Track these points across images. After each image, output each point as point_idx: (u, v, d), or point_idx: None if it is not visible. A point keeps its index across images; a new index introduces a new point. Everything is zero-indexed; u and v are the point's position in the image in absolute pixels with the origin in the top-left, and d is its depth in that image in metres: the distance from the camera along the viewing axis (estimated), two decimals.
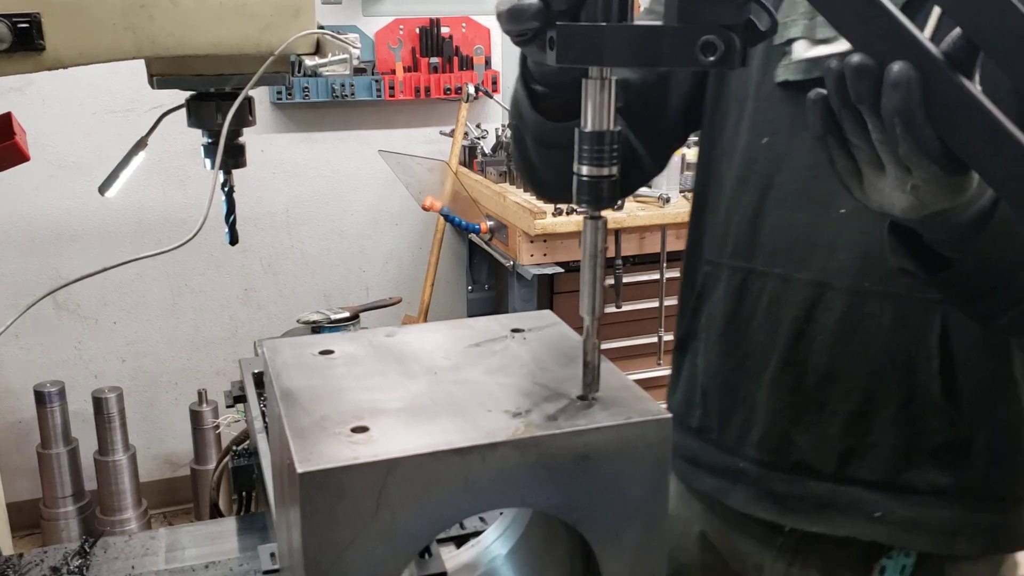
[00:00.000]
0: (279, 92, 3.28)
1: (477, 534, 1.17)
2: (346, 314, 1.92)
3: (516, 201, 2.94)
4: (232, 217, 1.25)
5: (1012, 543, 1.17)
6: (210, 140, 1.24)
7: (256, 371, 1.72)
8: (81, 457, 3.22)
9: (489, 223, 3.13)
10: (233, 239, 1.26)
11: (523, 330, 1.03)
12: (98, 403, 3.13)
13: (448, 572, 1.10)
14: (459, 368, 0.92)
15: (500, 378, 0.90)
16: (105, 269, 1.14)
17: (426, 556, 1.17)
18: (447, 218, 3.29)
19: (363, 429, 0.78)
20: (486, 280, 3.68)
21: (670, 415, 0.83)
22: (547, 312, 1.10)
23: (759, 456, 1.18)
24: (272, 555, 1.30)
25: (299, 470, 0.72)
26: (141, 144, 1.38)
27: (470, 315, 3.67)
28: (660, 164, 1.32)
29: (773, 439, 1.17)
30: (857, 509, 1.14)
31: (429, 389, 0.87)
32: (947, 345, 1.09)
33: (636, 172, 1.29)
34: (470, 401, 0.84)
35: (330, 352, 0.95)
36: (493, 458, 0.77)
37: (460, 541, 1.27)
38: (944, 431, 1.11)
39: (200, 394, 3.22)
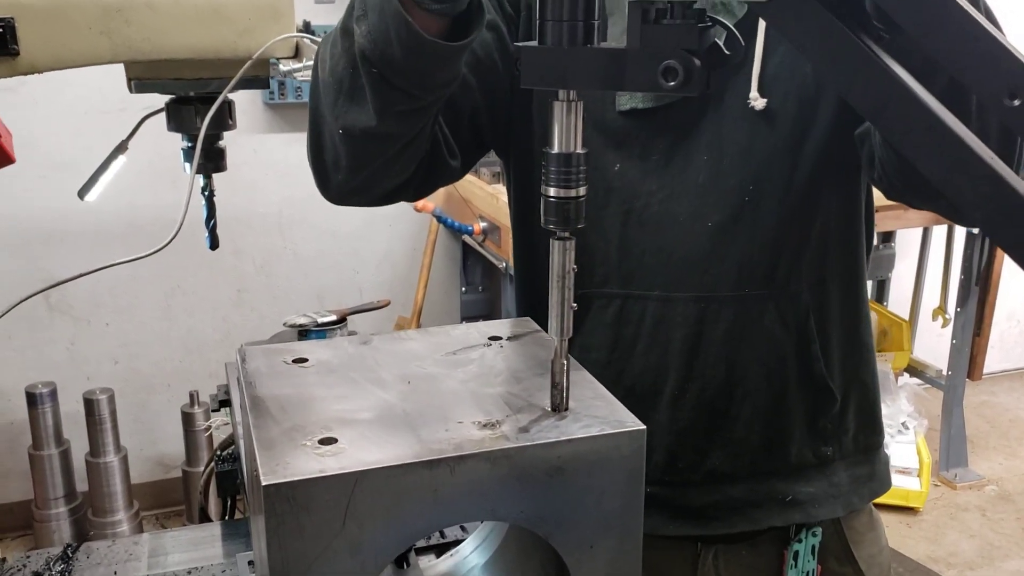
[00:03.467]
0: (272, 92, 3.27)
1: (458, 543, 1.16)
2: (333, 317, 1.91)
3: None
4: (212, 222, 1.24)
5: (882, 485, 1.29)
6: (190, 144, 1.24)
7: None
8: (73, 459, 3.21)
9: (482, 224, 3.12)
10: (213, 244, 1.26)
11: (500, 338, 1.02)
12: (89, 404, 3.12)
13: None
14: (432, 377, 0.91)
15: (473, 388, 0.89)
16: (93, 271, 1.14)
17: (405, 566, 1.16)
18: (440, 219, 3.29)
19: (331, 440, 0.77)
20: (480, 282, 3.67)
21: (643, 427, 0.82)
22: (526, 319, 1.09)
23: (667, 477, 1.20)
24: (250, 563, 1.30)
25: (264, 482, 0.71)
26: (121, 147, 1.38)
27: (464, 316, 3.67)
28: (464, 172, 1.23)
29: (682, 458, 1.20)
30: (770, 500, 1.21)
31: (401, 399, 0.86)
32: (820, 327, 1.18)
33: (446, 173, 1.18)
34: (442, 411, 0.84)
35: (304, 360, 0.95)
36: (463, 470, 0.76)
37: (441, 550, 1.26)
38: (829, 405, 1.21)
39: (192, 396, 3.21)
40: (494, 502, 0.78)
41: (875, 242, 3.95)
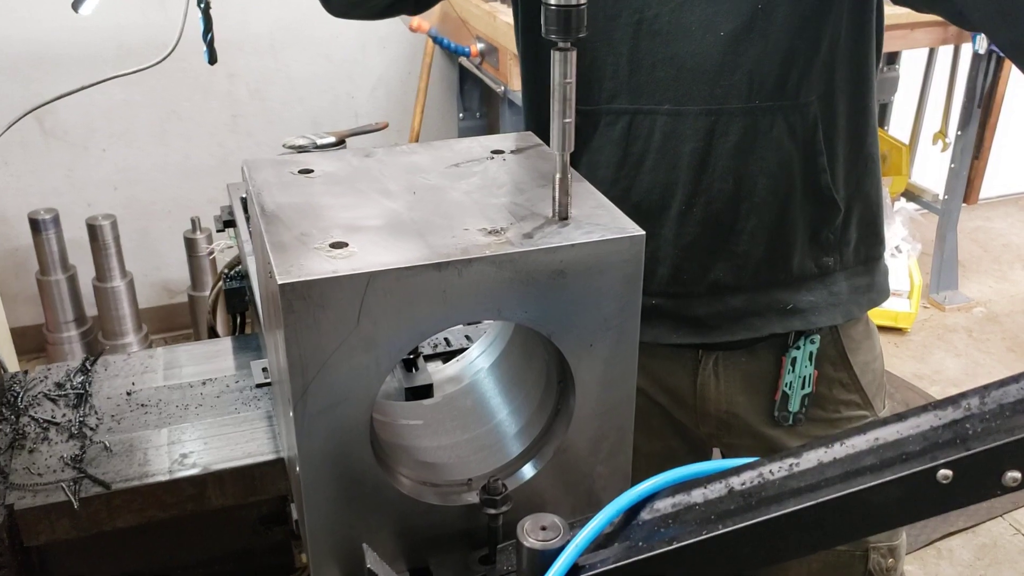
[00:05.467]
0: None
1: (463, 351, 1.21)
2: (332, 139, 1.90)
3: (507, 21, 2.85)
4: (210, 35, 1.22)
5: (880, 295, 1.33)
6: None
7: (244, 195, 1.73)
8: (80, 284, 3.27)
9: (479, 46, 3.05)
10: (212, 58, 1.24)
11: (503, 151, 1.03)
12: (93, 230, 3.15)
13: (435, 384, 1.15)
14: (437, 188, 0.93)
15: (478, 198, 0.91)
16: (87, 87, 1.13)
17: (414, 370, 1.22)
18: (436, 40, 3.21)
19: (342, 244, 0.80)
20: (477, 107, 3.62)
21: (643, 232, 0.84)
22: (528, 133, 1.10)
23: (672, 289, 1.24)
24: (264, 370, 1.36)
25: (280, 281, 0.74)
26: None
27: None
28: None
29: (687, 271, 1.23)
30: (771, 309, 1.25)
31: (407, 208, 0.88)
32: (828, 139, 1.18)
33: None
34: (448, 219, 0.86)
35: (310, 171, 0.96)
36: (470, 273, 0.79)
37: (447, 358, 1.32)
38: (833, 216, 1.23)
39: (193, 222, 3.24)
40: (500, 303, 0.82)
41: (882, 62, 3.88)
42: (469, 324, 1.41)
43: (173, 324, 3.62)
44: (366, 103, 3.61)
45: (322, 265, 0.76)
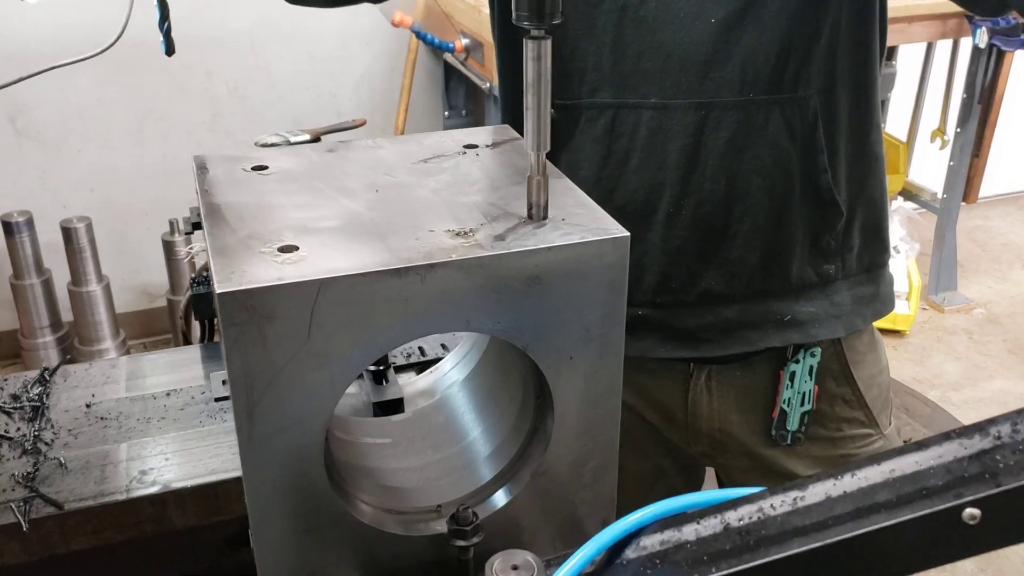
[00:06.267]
0: None
1: (439, 361, 1.13)
2: (307, 136, 1.82)
3: None
4: (166, 24, 1.14)
5: (885, 306, 1.24)
6: None
7: None
8: (55, 288, 3.19)
9: (464, 41, 2.98)
10: (169, 49, 1.16)
11: (477, 146, 0.95)
12: (67, 233, 3.06)
13: (405, 398, 1.07)
14: (402, 186, 0.85)
15: (446, 196, 0.83)
16: (23, 78, 1.05)
17: (384, 382, 1.14)
18: (419, 36, 3.13)
19: (292, 248, 0.72)
20: (463, 105, 3.55)
21: (627, 233, 0.77)
22: (505, 126, 1.02)
23: (660, 299, 1.16)
24: (224, 382, 1.28)
25: (219, 290, 0.66)
26: None
27: None
28: None
29: (675, 278, 1.15)
30: (767, 320, 1.17)
31: (368, 207, 0.81)
32: (829, 136, 1.11)
33: None
34: (412, 220, 0.78)
35: (264, 168, 0.88)
36: (434, 279, 0.71)
37: (421, 368, 1.24)
38: (834, 220, 1.15)
39: (171, 224, 3.15)
40: (469, 313, 0.74)
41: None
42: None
43: (152, 329, 3.53)
44: (349, 101, 3.53)
45: (268, 271, 0.68)
